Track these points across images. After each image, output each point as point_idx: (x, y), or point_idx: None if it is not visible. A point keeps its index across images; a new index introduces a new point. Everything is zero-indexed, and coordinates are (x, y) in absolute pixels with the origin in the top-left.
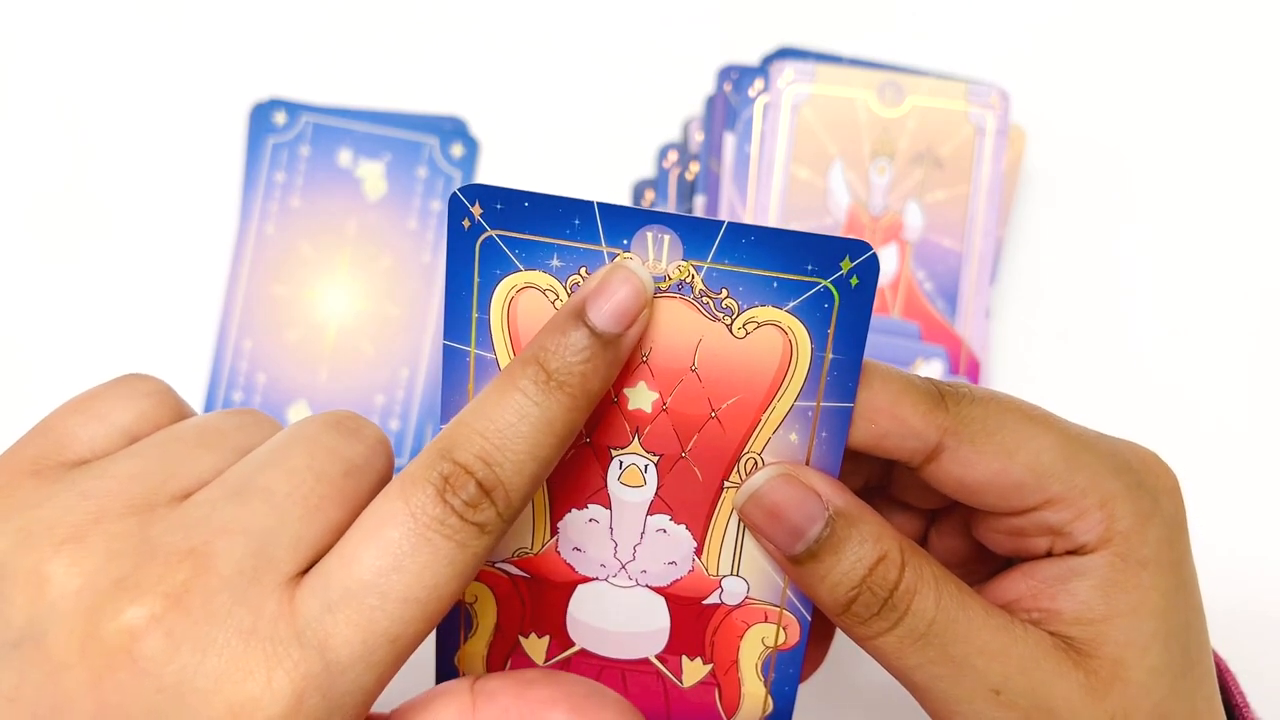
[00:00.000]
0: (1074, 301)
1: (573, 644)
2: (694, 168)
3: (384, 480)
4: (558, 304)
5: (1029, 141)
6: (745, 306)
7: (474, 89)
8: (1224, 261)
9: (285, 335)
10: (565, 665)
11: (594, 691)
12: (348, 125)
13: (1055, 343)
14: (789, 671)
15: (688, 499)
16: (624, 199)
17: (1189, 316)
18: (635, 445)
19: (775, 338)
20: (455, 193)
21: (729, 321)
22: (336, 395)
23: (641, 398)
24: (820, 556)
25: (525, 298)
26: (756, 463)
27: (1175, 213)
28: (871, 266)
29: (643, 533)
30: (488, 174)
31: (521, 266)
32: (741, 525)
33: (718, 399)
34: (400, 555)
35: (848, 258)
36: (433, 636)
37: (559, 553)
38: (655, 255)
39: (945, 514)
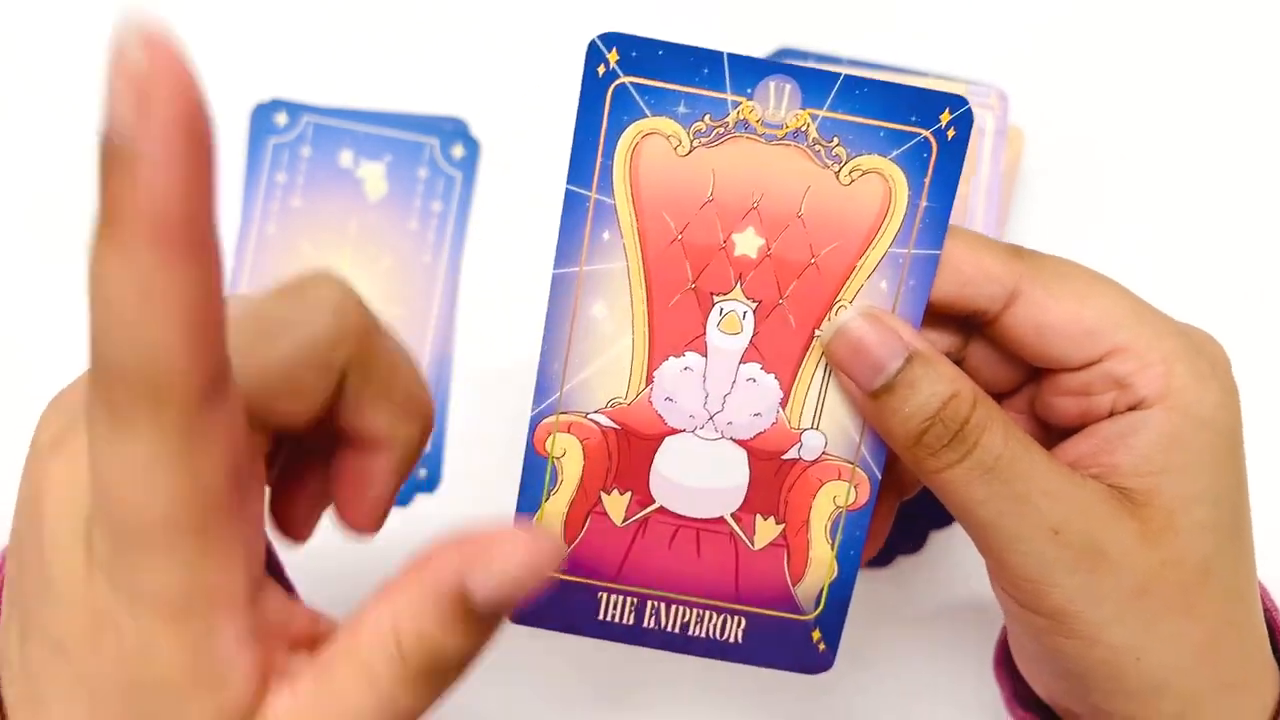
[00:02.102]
0: None
1: (653, 501)
2: None
3: None
4: (679, 150)
5: (1027, 142)
6: (853, 154)
7: (474, 90)
8: (1222, 262)
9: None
10: (643, 524)
11: None
12: (349, 126)
13: None
14: (855, 534)
15: (779, 348)
16: None
17: (1187, 317)
18: (737, 291)
19: (877, 185)
20: (594, 40)
21: (836, 169)
22: None
23: (748, 243)
24: (897, 390)
25: (649, 144)
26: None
27: (1173, 213)
28: (967, 120)
29: (734, 382)
30: (488, 174)
31: (649, 113)
32: (826, 377)
33: (818, 245)
34: None
35: (948, 110)
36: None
37: (651, 402)
38: (776, 103)
39: (1012, 397)
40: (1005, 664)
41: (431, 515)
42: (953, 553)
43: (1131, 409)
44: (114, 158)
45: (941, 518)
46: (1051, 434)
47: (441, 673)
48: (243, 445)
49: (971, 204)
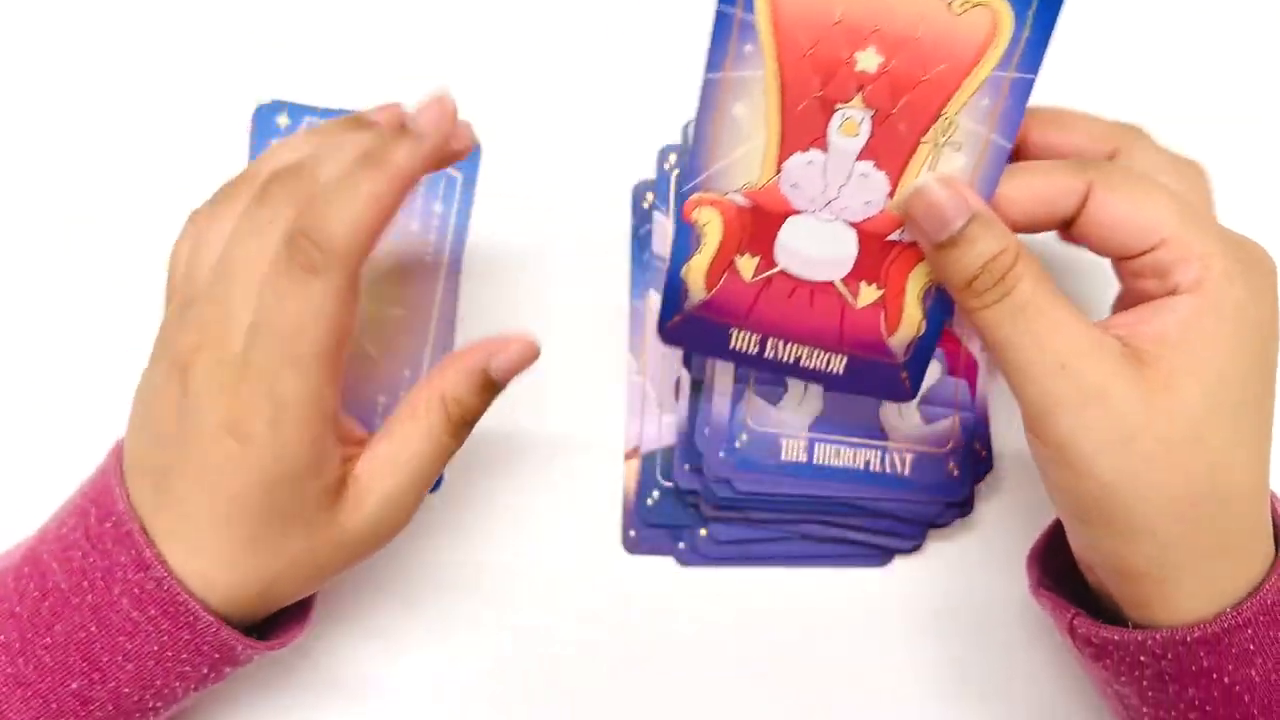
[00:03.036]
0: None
1: (776, 265)
2: None
3: None
4: None
5: None
6: None
7: (476, 93)
8: None
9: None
10: (767, 282)
11: None
12: None
13: None
14: (943, 300)
15: (890, 150)
16: (625, 201)
17: None
18: (857, 100)
19: (985, 16)
20: None
21: (950, 1)
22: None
23: (869, 60)
24: (959, 244)
25: None
26: (951, 122)
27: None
28: None
29: (849, 175)
30: (489, 176)
31: None
32: (931, 175)
33: (931, 64)
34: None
35: None
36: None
37: (779, 187)
38: None
39: None
40: (1038, 556)
41: (435, 513)
42: (952, 553)
43: (1169, 294)
44: (408, 135)
45: (940, 517)
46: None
47: (467, 425)
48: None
49: None
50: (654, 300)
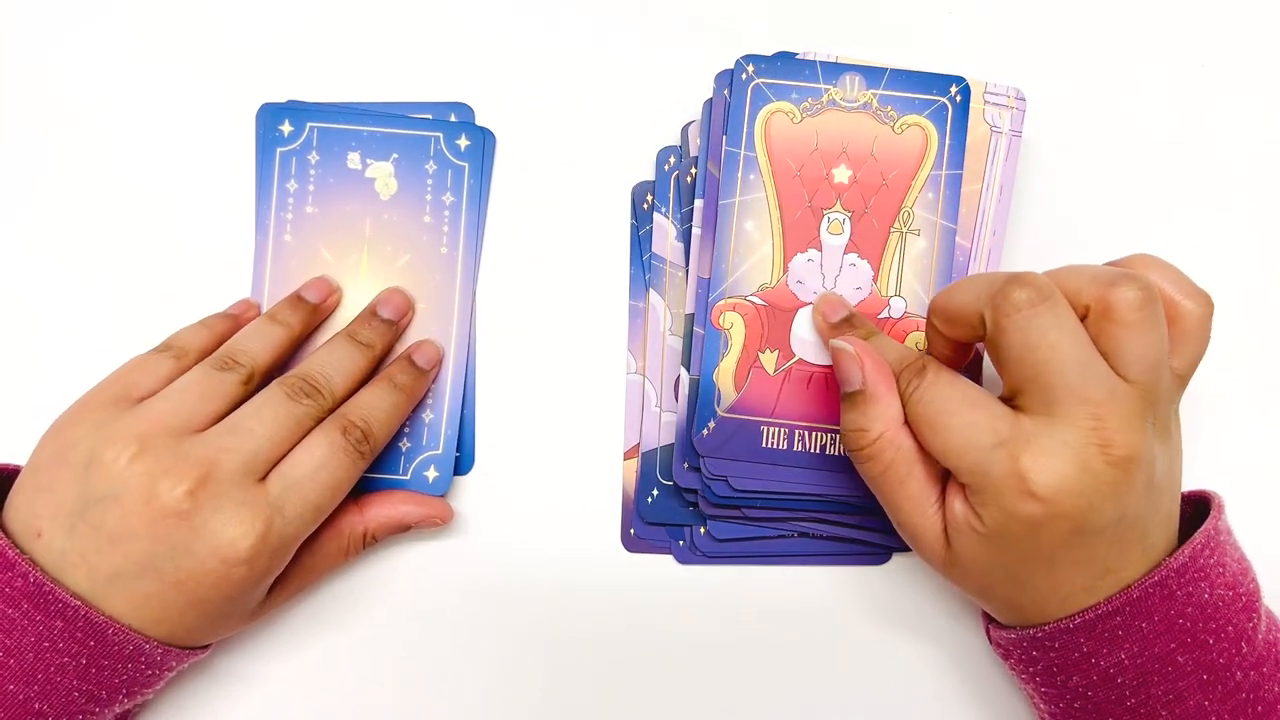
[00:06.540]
0: None
1: (793, 355)
2: (694, 171)
3: (315, 424)
4: (794, 120)
5: (1025, 143)
6: (901, 115)
7: (479, 96)
8: (1217, 264)
9: (315, 338)
10: (788, 373)
11: None
12: (353, 127)
13: None
14: None
15: (869, 241)
16: (625, 202)
17: None
18: (838, 206)
19: (918, 133)
20: (738, 59)
21: (892, 125)
22: None
23: (842, 174)
24: (847, 406)
25: (775, 118)
26: (910, 214)
27: (1168, 216)
28: (967, 90)
29: (840, 267)
30: (504, 163)
31: (774, 99)
32: (901, 258)
33: (886, 172)
34: (323, 460)
35: (954, 86)
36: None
37: (787, 284)
38: (851, 88)
39: None
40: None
41: (467, 494)
42: None
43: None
44: (423, 371)
45: None
46: None
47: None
48: None
49: (984, 202)
50: (654, 300)
